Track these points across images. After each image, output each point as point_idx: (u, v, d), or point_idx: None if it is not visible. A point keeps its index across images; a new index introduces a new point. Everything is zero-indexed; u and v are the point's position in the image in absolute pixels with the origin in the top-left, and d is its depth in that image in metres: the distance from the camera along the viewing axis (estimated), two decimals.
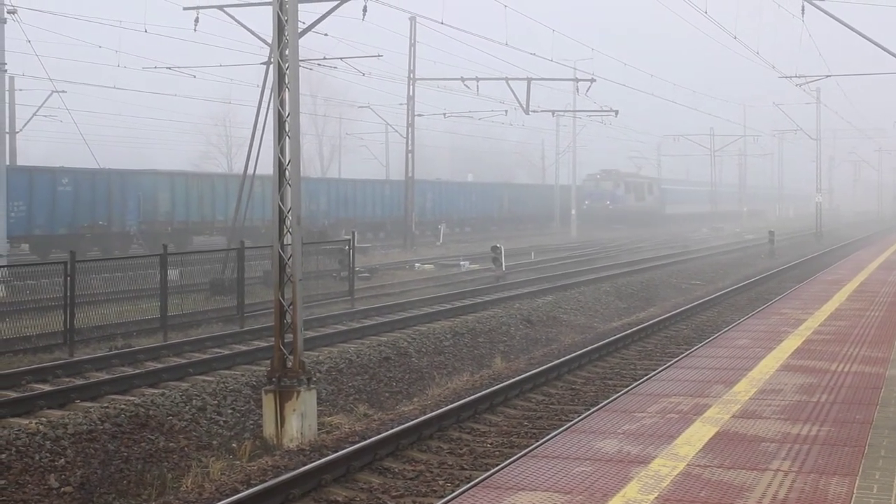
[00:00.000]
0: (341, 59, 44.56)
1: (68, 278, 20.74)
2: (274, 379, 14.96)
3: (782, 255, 53.99)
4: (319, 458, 12.76)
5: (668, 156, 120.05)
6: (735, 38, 42.64)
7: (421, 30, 55.04)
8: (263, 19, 25.89)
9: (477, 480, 9.41)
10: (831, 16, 35.53)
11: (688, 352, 17.18)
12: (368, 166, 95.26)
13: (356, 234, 34.18)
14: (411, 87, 55.98)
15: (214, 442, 15.00)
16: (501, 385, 17.14)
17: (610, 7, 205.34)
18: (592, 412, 12.12)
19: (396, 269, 41.81)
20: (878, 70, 53.01)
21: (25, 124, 60.24)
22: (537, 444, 10.74)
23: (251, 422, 15.88)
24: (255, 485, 11.82)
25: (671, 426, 10.99)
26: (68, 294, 20.74)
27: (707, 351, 16.52)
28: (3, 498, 12.09)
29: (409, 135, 56.27)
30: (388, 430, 14.12)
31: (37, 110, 58.17)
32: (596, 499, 8.51)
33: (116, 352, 20.39)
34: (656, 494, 8.55)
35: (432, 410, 15.59)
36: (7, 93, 45.58)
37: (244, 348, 21.45)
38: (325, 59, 44.18)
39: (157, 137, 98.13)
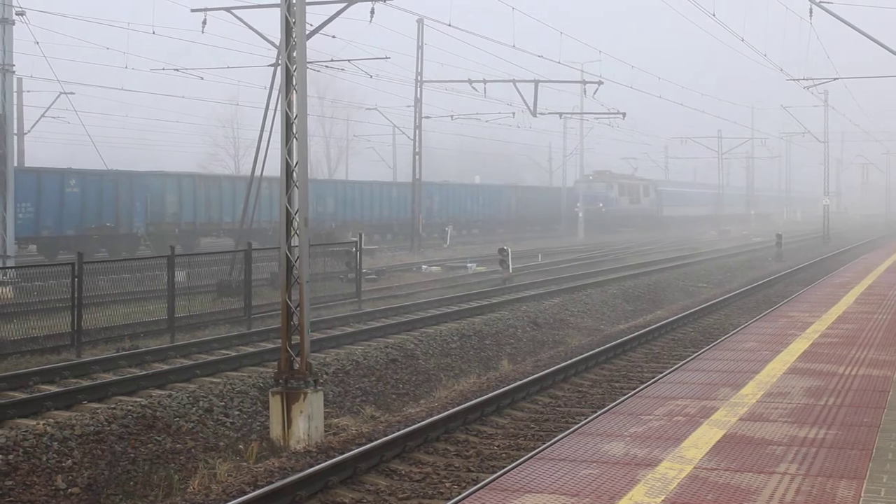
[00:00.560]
0: (349, 60, 44.61)
1: (76, 279, 20.78)
2: (281, 380, 14.97)
3: (790, 258, 53.91)
4: (326, 460, 12.76)
5: (675, 158, 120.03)
6: (743, 40, 42.61)
7: (428, 32, 55.09)
8: (271, 21, 25.90)
9: (484, 483, 9.41)
10: (839, 18, 35.48)
11: (695, 354, 17.16)
12: (376, 168, 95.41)
13: (363, 235, 34.18)
14: (419, 89, 55.99)
15: (221, 443, 15.01)
16: (508, 387, 17.13)
17: (618, 9, 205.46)
18: (599, 415, 12.12)
19: (403, 271, 41.82)
20: (887, 72, 52.97)
21: (33, 126, 60.46)
22: (544, 446, 10.74)
23: (258, 423, 15.89)
24: (262, 486, 11.82)
25: (678, 429, 10.98)
26: (76, 295, 20.78)
27: (714, 354, 16.51)
28: (11, 499, 12.11)
29: (417, 137, 56.26)
30: (394, 432, 14.11)
31: (45, 112, 58.32)
32: (603, 501, 8.51)
33: (124, 353, 20.41)
34: (663, 497, 8.54)
35: (439, 412, 15.58)
36: (15, 94, 45.79)
37: (251, 350, 21.46)
38: (332, 60, 44.22)
39: (164, 139, 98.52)
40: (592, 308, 30.22)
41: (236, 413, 16.06)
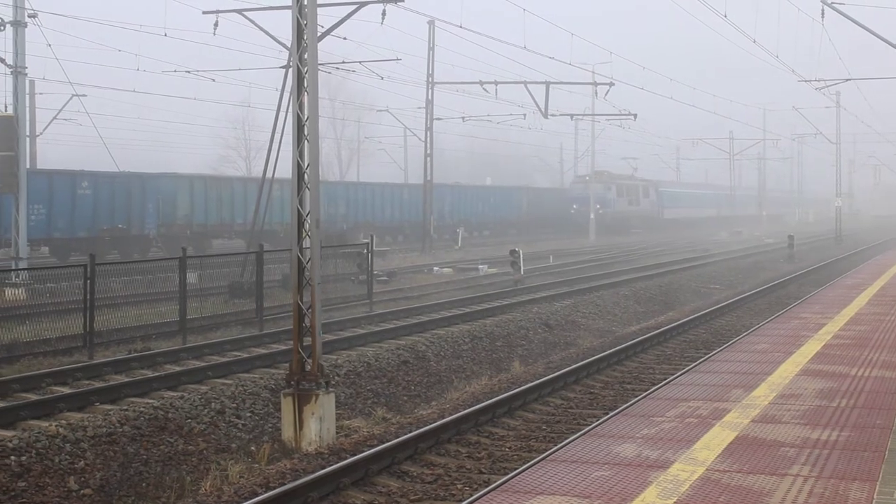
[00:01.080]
0: (360, 62, 44.65)
1: (88, 281, 20.81)
2: (292, 382, 14.98)
3: (802, 259, 53.81)
4: (338, 462, 12.76)
5: (687, 159, 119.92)
6: (754, 41, 42.57)
7: (439, 33, 55.23)
8: (283, 23, 25.96)
9: (495, 484, 9.40)
10: (851, 19, 35.42)
11: (707, 356, 17.13)
12: (387, 170, 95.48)
13: (375, 237, 34.20)
14: (430, 90, 56.00)
15: (233, 445, 15.03)
16: (520, 389, 17.12)
17: (629, 10, 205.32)
18: (611, 416, 12.11)
19: (415, 273, 41.81)
20: None
21: (46, 128, 60.60)
22: (556, 448, 10.73)
23: (270, 425, 15.90)
24: (274, 488, 11.83)
25: (690, 431, 10.97)
26: (88, 297, 20.81)
27: (726, 355, 16.48)
28: (24, 500, 12.14)
29: (428, 138, 56.26)
30: (406, 434, 14.11)
31: (57, 114, 58.43)
32: (615, 503, 8.50)
33: (136, 355, 20.44)
34: (675, 499, 8.53)
35: (451, 414, 15.58)
36: (27, 96, 45.89)
37: (263, 352, 21.48)
38: (344, 62, 44.26)
39: (176, 141, 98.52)
40: (604, 309, 30.19)
41: (248, 415, 16.08)
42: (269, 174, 33.62)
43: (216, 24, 34.82)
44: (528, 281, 37.30)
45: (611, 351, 21.42)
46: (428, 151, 56.36)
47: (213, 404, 15.95)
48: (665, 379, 15.73)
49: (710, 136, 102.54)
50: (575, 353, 22.83)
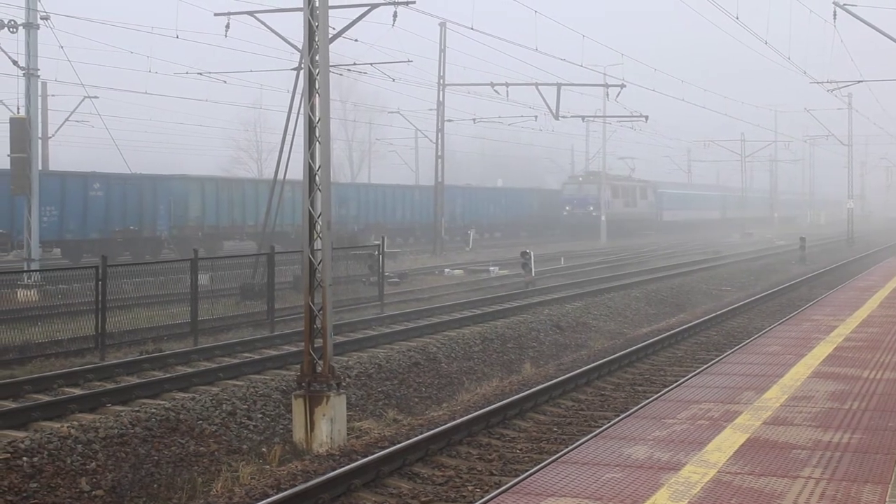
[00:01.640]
0: (371, 64, 44.67)
1: (100, 283, 20.85)
2: (304, 384, 14.98)
3: (813, 261, 53.70)
4: (349, 463, 12.77)
5: (698, 161, 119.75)
6: (766, 43, 42.52)
7: (451, 35, 55.30)
8: (294, 25, 26.00)
9: (507, 486, 9.40)
10: (863, 20, 35.35)
11: (718, 358, 17.11)
12: (398, 172, 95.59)
13: (386, 239, 34.23)
14: (441, 92, 56.02)
15: (244, 446, 15.04)
16: (531, 391, 17.11)
17: (640, 12, 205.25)
18: (622, 418, 12.09)
19: (426, 275, 41.82)
20: None
21: (58, 129, 60.73)
22: (567, 449, 10.73)
23: (281, 426, 15.91)
24: (285, 489, 11.84)
25: (701, 433, 10.95)
26: (100, 298, 20.85)
27: (738, 357, 16.45)
28: (36, 500, 12.16)
29: (439, 140, 56.28)
30: (417, 436, 14.11)
31: (69, 115, 58.60)
32: None
33: (147, 356, 20.48)
34: (687, 501, 8.52)
35: (462, 416, 15.58)
36: (40, 98, 45.99)
37: (274, 353, 21.50)
38: (355, 64, 44.28)
39: (187, 143, 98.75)
40: (615, 311, 30.16)
41: (259, 416, 16.09)
42: (280, 176, 33.64)
43: (227, 26, 34.87)
44: (539, 283, 37.30)
45: (622, 353, 21.40)
46: (439, 153, 56.38)
47: (224, 406, 15.97)
48: (676, 381, 15.71)
49: (722, 138, 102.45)
50: (586, 354, 22.81)
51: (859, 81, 53.17)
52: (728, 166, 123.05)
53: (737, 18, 37.34)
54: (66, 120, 59.31)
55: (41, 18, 33.07)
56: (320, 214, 15.16)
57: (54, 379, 18.05)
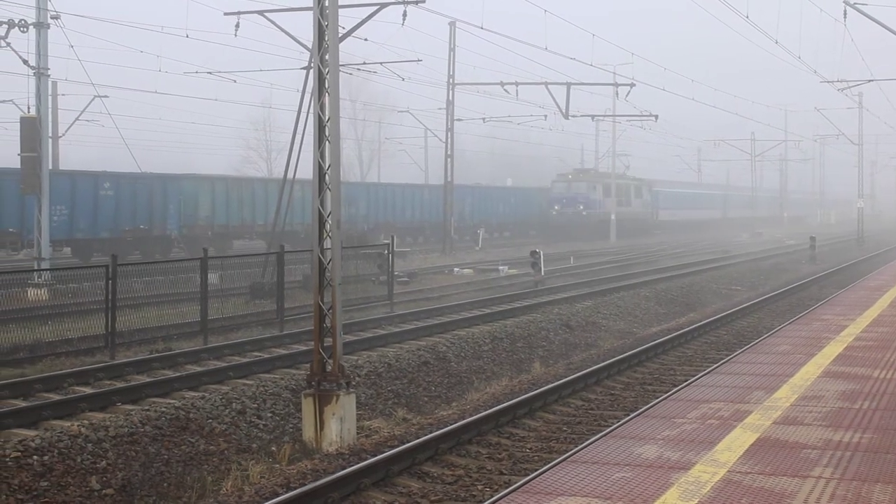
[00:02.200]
0: (381, 63, 44.70)
1: (110, 282, 20.88)
2: (313, 383, 15.00)
3: (823, 260, 53.61)
4: (358, 462, 12.78)
5: (708, 161, 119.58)
6: (776, 42, 42.44)
7: (461, 34, 55.12)
8: (304, 24, 26.01)
9: (516, 485, 9.39)
10: (873, 19, 35.28)
11: (728, 357, 17.07)
12: (408, 171, 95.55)
13: (395, 238, 34.24)
14: (451, 91, 56.00)
15: (254, 445, 15.06)
16: (540, 390, 17.10)
17: (650, 11, 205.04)
18: (632, 418, 12.08)
19: (435, 274, 41.83)
20: None
21: (68, 129, 60.86)
22: (577, 449, 10.71)
23: (290, 425, 15.93)
24: (295, 488, 11.85)
25: (711, 432, 10.93)
26: (110, 297, 20.88)
27: (748, 357, 16.42)
28: (46, 499, 12.19)
29: (449, 139, 56.28)
30: (426, 435, 14.11)
31: (79, 115, 58.68)
32: None
33: (157, 355, 20.51)
34: (697, 501, 8.50)
35: (471, 415, 15.57)
36: (50, 98, 46.09)
37: (284, 352, 21.52)
38: (365, 63, 44.31)
39: (197, 142, 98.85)
40: (625, 311, 30.14)
41: (269, 415, 16.11)
42: (290, 175, 33.66)
43: (237, 26, 34.92)
44: (548, 282, 37.28)
45: (632, 352, 21.38)
46: (448, 152, 56.38)
47: (234, 404, 15.99)
48: (686, 380, 15.68)
49: (732, 137, 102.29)
50: (596, 354, 22.79)
51: (870, 80, 53.10)
52: (738, 166, 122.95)
53: (747, 17, 37.30)
54: (77, 119, 59.43)
55: (51, 18, 33.13)
56: (330, 213, 15.16)
57: (65, 378, 18.08)
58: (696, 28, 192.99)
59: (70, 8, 38.98)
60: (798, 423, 11.32)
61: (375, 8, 33.48)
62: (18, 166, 33.58)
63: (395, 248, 31.20)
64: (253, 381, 18.10)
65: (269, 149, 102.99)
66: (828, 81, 53.31)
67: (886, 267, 40.78)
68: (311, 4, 15.64)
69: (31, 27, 32.61)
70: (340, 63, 15.51)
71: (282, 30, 33.94)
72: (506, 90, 54.43)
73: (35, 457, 12.81)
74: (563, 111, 55.35)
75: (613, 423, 13.16)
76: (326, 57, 15.17)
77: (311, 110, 15.94)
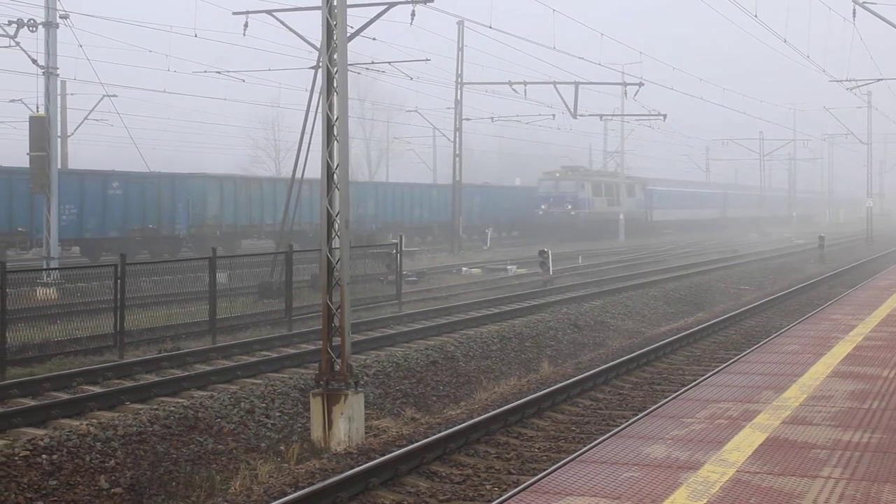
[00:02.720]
0: (389, 63, 44.72)
1: (118, 281, 20.91)
2: (322, 382, 15.00)
3: (832, 260, 53.52)
4: (367, 462, 12.78)
5: (716, 160, 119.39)
6: (785, 41, 42.37)
7: (469, 34, 55.11)
8: (312, 24, 25.98)
9: (525, 485, 9.39)
10: (883, 19, 35.21)
11: (737, 357, 17.05)
12: (416, 170, 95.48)
13: (403, 237, 34.22)
14: (459, 91, 55.99)
15: (262, 444, 15.07)
16: (549, 390, 17.09)
17: (658, 10, 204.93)
18: (641, 417, 12.07)
19: (444, 273, 41.81)
20: None
21: (77, 128, 60.92)
22: (585, 448, 10.71)
23: (299, 425, 15.93)
24: (303, 487, 11.86)
25: (720, 432, 10.92)
26: (118, 297, 20.91)
27: (756, 356, 16.40)
28: (55, 498, 12.21)
29: (457, 139, 56.27)
30: (435, 434, 14.11)
31: (88, 114, 58.75)
32: None
33: (165, 354, 20.53)
34: (705, 501, 8.49)
35: (480, 415, 15.57)
36: (59, 97, 46.15)
37: (292, 351, 21.53)
38: (373, 63, 44.32)
39: (206, 141, 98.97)
40: (633, 310, 30.11)
41: (277, 414, 16.11)
42: (298, 175, 33.67)
43: (246, 25, 34.92)
44: (557, 281, 37.25)
45: (640, 352, 21.37)
46: (457, 152, 56.37)
47: (242, 404, 15.99)
48: (695, 380, 15.67)
49: (740, 137, 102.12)
50: (604, 353, 22.78)
51: (879, 79, 53.02)
52: (747, 165, 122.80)
53: (755, 16, 37.25)
54: (86, 118, 59.49)
55: (60, 17, 33.19)
56: (338, 213, 15.17)
57: (73, 377, 18.11)
58: (705, 27, 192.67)
59: (79, 7, 39.03)
60: (807, 422, 11.30)
61: (384, 7, 33.46)
62: (27, 165, 33.63)
63: (403, 248, 31.19)
64: (261, 381, 18.12)
65: (278, 148, 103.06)
66: (836, 80, 53.23)
67: None
68: (319, 4, 15.65)
69: (40, 26, 32.66)
70: (349, 62, 15.52)
71: (290, 29, 33.95)
72: (514, 89, 54.41)
73: (44, 456, 12.83)
74: (572, 110, 55.32)
75: (622, 423, 13.14)
76: (335, 56, 15.17)
77: (320, 110, 15.95)
